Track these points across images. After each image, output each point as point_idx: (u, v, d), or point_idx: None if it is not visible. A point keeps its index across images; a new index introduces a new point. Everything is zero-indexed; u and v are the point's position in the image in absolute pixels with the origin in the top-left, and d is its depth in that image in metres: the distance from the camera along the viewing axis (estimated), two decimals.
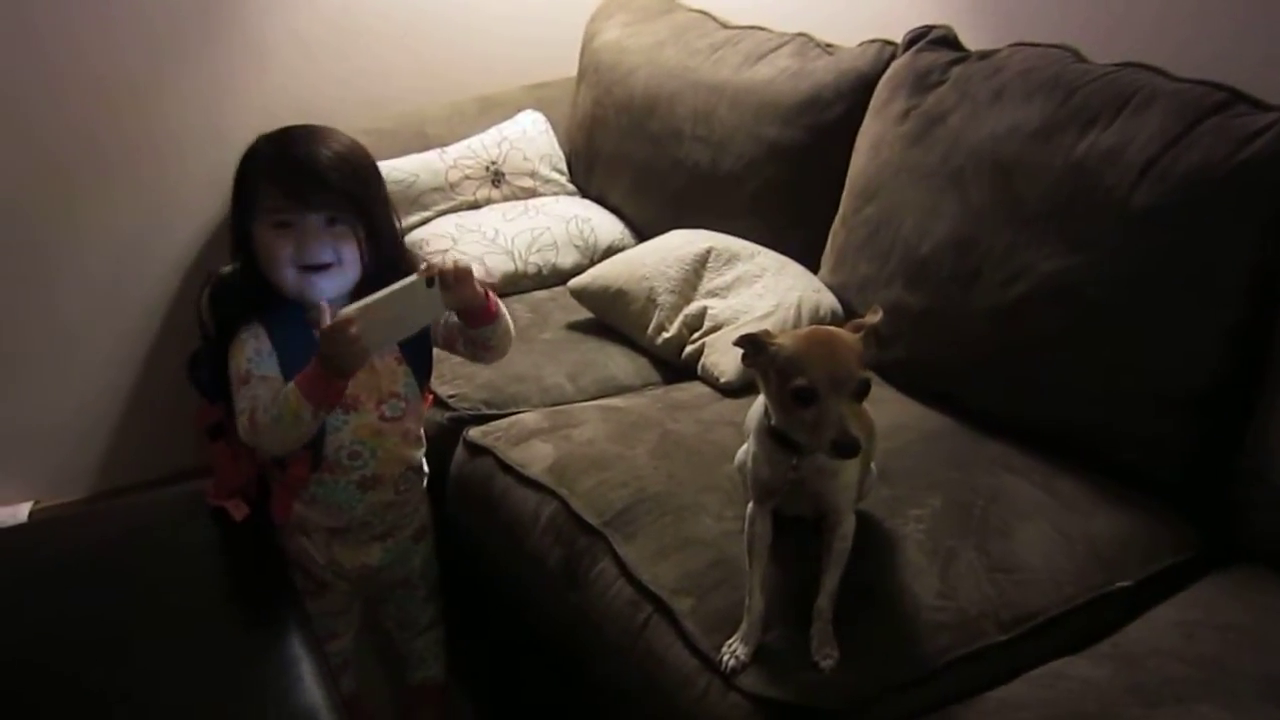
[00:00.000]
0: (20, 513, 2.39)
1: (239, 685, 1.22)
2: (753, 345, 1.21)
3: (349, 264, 1.39)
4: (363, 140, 2.27)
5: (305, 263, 1.36)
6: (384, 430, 1.46)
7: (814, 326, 1.27)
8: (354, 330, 1.25)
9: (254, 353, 1.38)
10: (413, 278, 1.30)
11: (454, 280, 1.33)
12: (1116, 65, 1.60)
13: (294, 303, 1.40)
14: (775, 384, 1.19)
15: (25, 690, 1.20)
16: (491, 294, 1.44)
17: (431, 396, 1.63)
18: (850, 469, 1.26)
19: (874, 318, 1.23)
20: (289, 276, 1.37)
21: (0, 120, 2.17)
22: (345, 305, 1.30)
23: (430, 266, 1.31)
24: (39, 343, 2.36)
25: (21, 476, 2.44)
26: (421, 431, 1.55)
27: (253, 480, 1.50)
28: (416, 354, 1.49)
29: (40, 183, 2.25)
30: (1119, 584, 1.35)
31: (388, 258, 1.42)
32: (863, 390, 1.17)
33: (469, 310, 1.42)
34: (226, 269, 1.46)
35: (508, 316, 1.49)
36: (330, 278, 1.38)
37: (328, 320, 1.27)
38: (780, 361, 1.18)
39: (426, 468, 1.59)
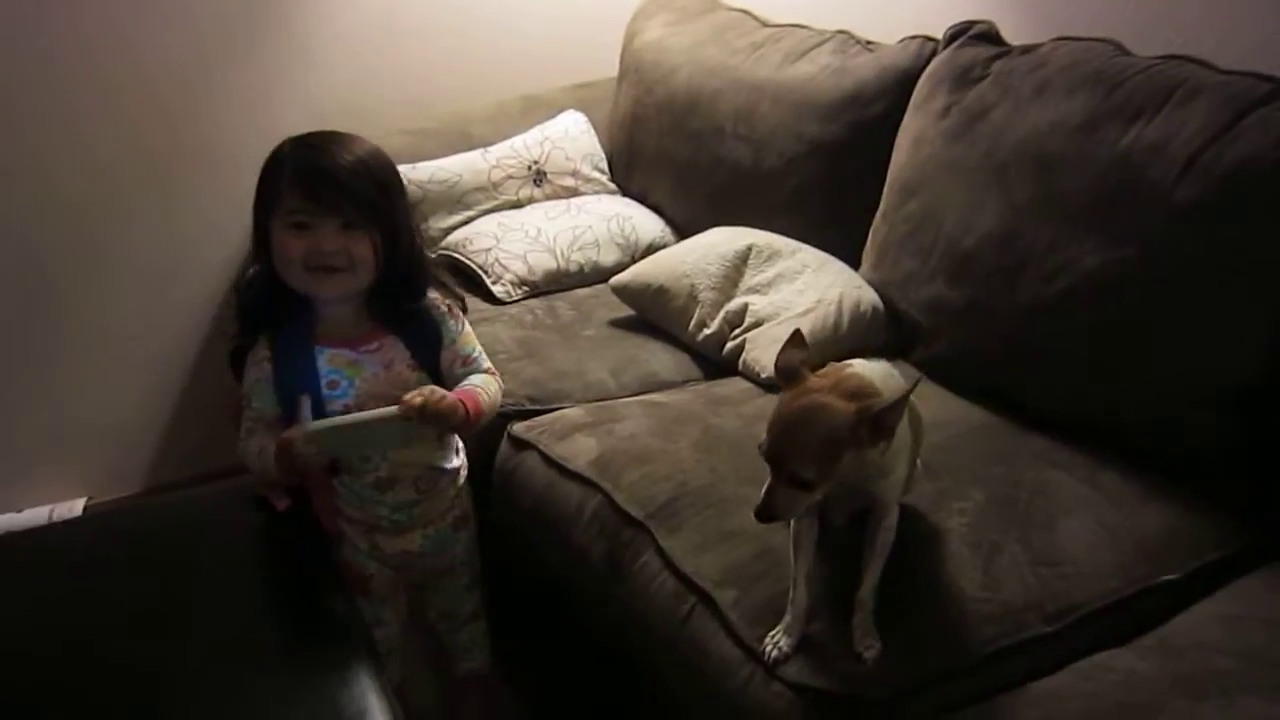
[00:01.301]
0: (76, 507, 2.45)
1: (288, 674, 1.25)
2: (790, 349, 1.24)
3: (362, 269, 1.42)
4: (406, 140, 2.36)
5: (315, 264, 1.39)
6: None
7: (819, 389, 1.18)
8: (299, 450, 1.35)
9: (254, 380, 1.46)
10: (390, 411, 1.35)
11: (434, 420, 1.37)
12: (1160, 58, 1.59)
13: (306, 311, 1.45)
14: None
15: (80, 676, 1.23)
16: (475, 405, 1.46)
17: None
18: (900, 466, 1.27)
19: (878, 403, 1.16)
20: (299, 276, 1.41)
21: (56, 123, 2.23)
22: (316, 418, 1.37)
23: (409, 408, 1.34)
24: (94, 342, 2.41)
25: (77, 473, 2.50)
26: (446, 432, 1.55)
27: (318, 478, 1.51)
28: (434, 358, 1.51)
29: (94, 184, 2.30)
30: (1164, 577, 1.35)
31: (403, 265, 1.45)
32: (798, 482, 1.16)
33: (449, 429, 1.48)
34: (254, 269, 1.49)
35: (496, 400, 1.53)
36: (339, 281, 1.42)
37: (305, 412, 1.38)
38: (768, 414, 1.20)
39: (458, 462, 1.60)
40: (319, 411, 1.41)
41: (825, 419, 1.15)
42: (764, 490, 1.17)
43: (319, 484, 1.49)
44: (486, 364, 1.55)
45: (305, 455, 1.36)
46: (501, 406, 1.80)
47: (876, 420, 1.15)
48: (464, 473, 1.62)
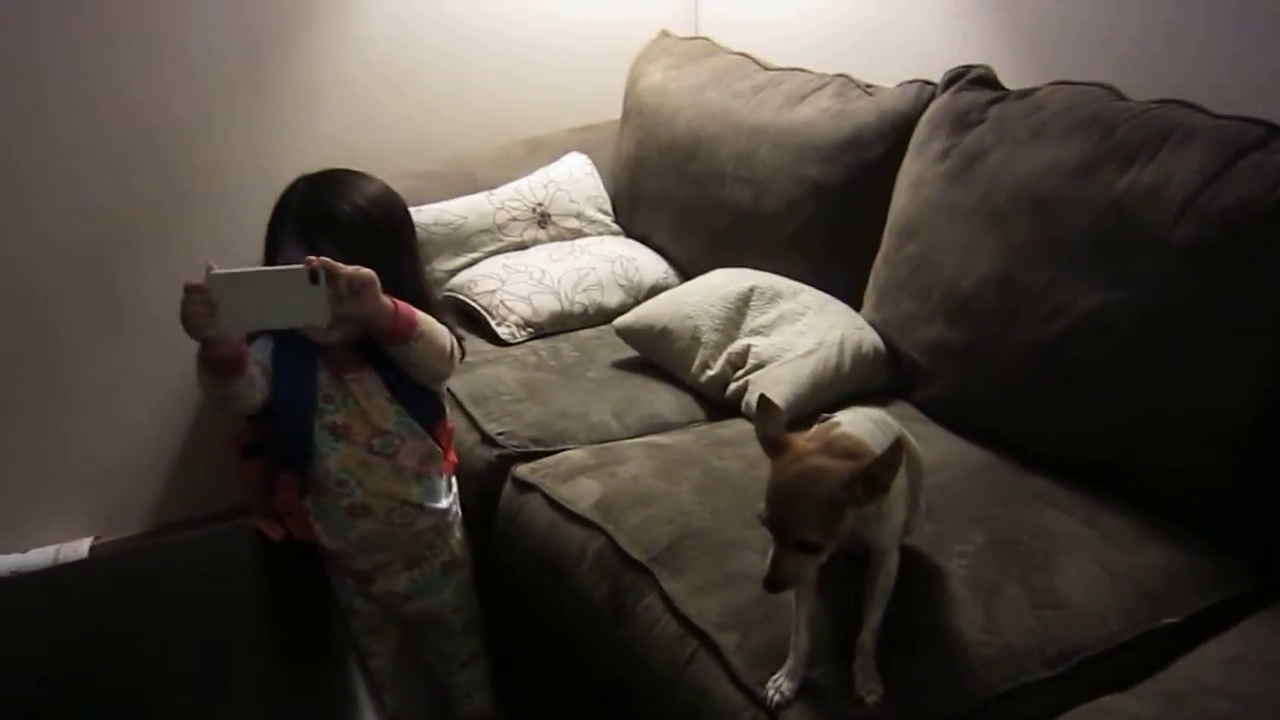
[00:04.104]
0: (81, 548, 2.45)
1: (284, 711, 1.26)
2: (766, 419, 1.22)
3: None
4: (411, 183, 2.38)
5: None
6: (372, 463, 1.49)
7: (811, 452, 1.18)
8: (204, 291, 1.24)
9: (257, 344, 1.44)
10: (296, 266, 1.27)
11: (347, 289, 1.30)
12: (1155, 102, 1.61)
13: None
14: None
15: (83, 717, 1.23)
16: (409, 313, 1.40)
17: (451, 435, 1.62)
18: (897, 512, 1.27)
19: (865, 464, 1.16)
20: None
21: (57, 171, 2.25)
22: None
23: (312, 260, 1.27)
24: (99, 384, 2.43)
25: (83, 512, 2.50)
26: (432, 470, 1.55)
27: (291, 501, 1.52)
28: (411, 392, 1.49)
29: (98, 231, 2.32)
30: (1165, 620, 1.35)
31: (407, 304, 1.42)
32: (805, 547, 1.16)
33: (374, 327, 1.39)
34: None
35: (440, 339, 1.45)
36: (336, 331, 1.39)
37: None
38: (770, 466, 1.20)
39: (444, 504, 1.58)
40: (313, 416, 1.44)
41: (822, 482, 1.16)
42: (770, 560, 1.17)
43: (295, 509, 1.49)
44: None
45: (206, 315, 1.25)
46: (504, 448, 1.82)
47: (872, 478, 1.15)
48: (455, 518, 1.62)
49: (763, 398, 1.24)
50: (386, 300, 1.36)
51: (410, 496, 1.53)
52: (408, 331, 1.40)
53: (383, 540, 1.53)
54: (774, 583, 1.16)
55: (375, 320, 1.37)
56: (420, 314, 1.42)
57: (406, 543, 1.56)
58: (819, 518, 1.16)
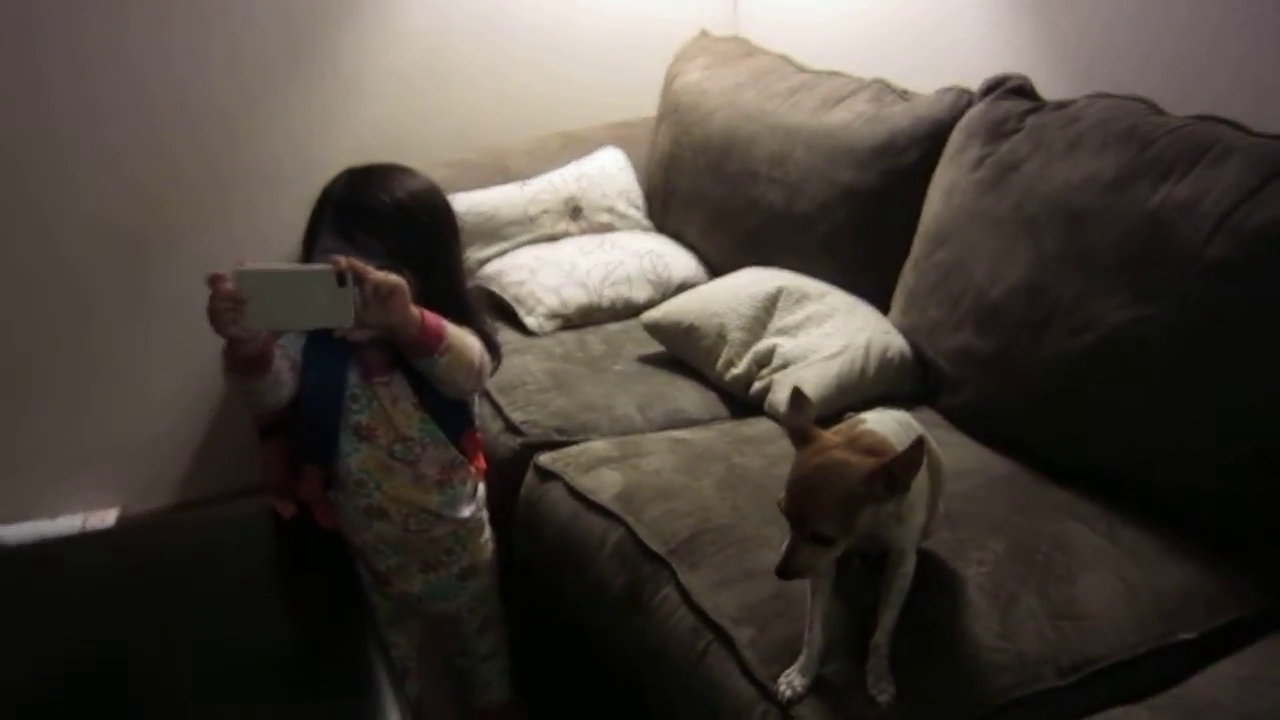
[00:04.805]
0: (109, 517, 2.49)
1: (308, 690, 1.27)
2: (796, 410, 1.25)
3: None
4: (446, 172, 2.40)
5: None
6: (392, 467, 1.47)
7: (835, 446, 1.20)
8: (230, 287, 1.22)
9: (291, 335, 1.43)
10: (324, 266, 1.24)
11: (373, 295, 1.28)
12: (1193, 118, 1.60)
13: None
14: None
15: (105, 686, 1.25)
16: (437, 326, 1.37)
17: (480, 445, 1.59)
18: (917, 514, 1.28)
19: (887, 460, 1.16)
20: None
21: (99, 149, 2.29)
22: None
23: (340, 261, 1.24)
24: (135, 359, 2.47)
25: (112, 484, 2.54)
26: (454, 478, 1.52)
27: (315, 491, 1.51)
28: (438, 400, 1.46)
29: (136, 209, 2.36)
30: (1182, 635, 1.34)
31: (440, 304, 1.41)
32: (820, 539, 1.17)
33: (399, 336, 1.37)
34: None
35: (469, 354, 1.41)
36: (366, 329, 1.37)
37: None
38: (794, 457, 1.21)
39: (466, 513, 1.55)
40: (340, 414, 1.43)
41: (843, 476, 1.17)
42: (785, 547, 1.18)
43: (320, 499, 1.50)
44: None
45: (231, 311, 1.24)
46: (527, 437, 1.84)
47: (893, 476, 1.16)
48: (477, 524, 1.60)
49: (796, 390, 1.25)
50: (414, 311, 1.34)
51: (429, 504, 1.51)
52: (434, 345, 1.37)
53: (398, 544, 1.53)
54: (786, 570, 1.18)
55: (401, 330, 1.35)
56: (450, 328, 1.39)
57: (423, 548, 1.54)
58: (837, 511, 1.17)
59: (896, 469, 1.16)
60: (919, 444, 1.16)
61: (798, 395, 1.25)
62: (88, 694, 1.24)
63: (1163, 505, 1.52)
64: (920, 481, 1.23)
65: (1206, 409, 1.48)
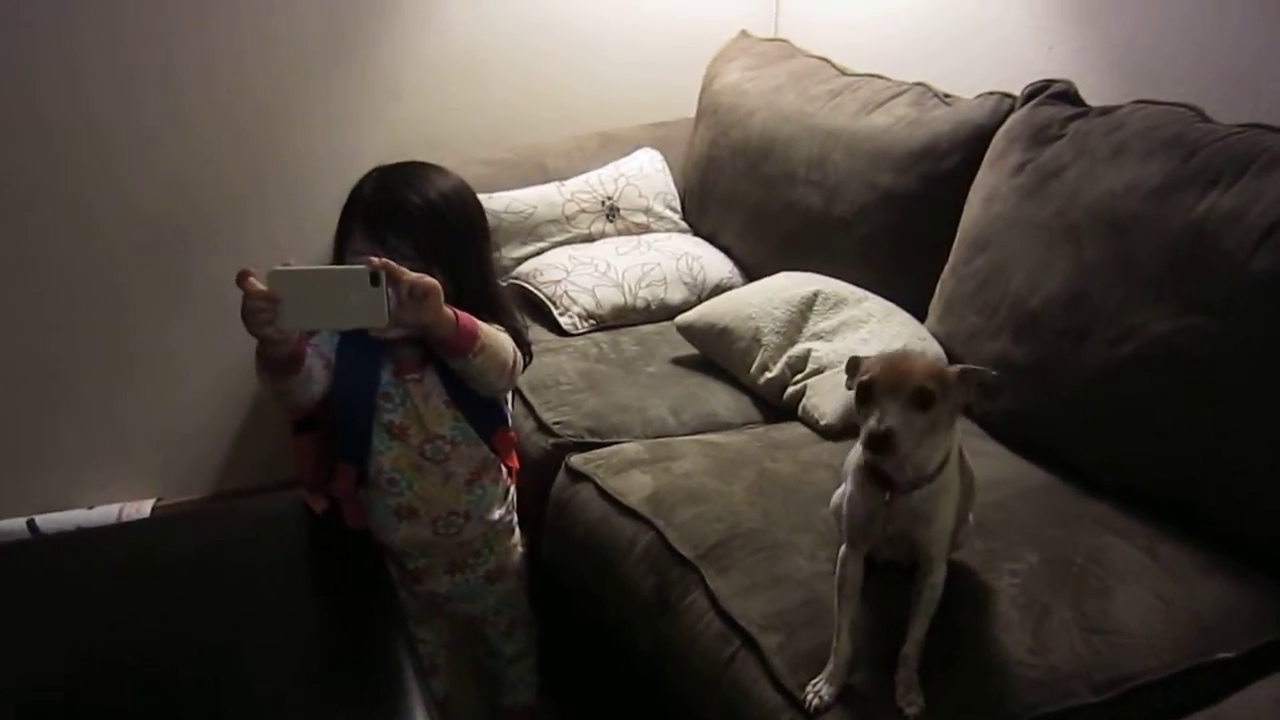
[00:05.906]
0: (144, 508, 2.52)
1: (336, 686, 1.28)
2: (852, 360, 1.26)
3: None
4: (484, 170, 2.41)
5: None
6: (423, 467, 1.47)
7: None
8: (262, 287, 1.22)
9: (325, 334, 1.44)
10: (359, 266, 1.24)
11: (408, 295, 1.28)
12: (1240, 126, 1.57)
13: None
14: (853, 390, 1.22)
15: (138, 674, 1.26)
16: (471, 326, 1.36)
17: (514, 444, 1.58)
18: (944, 515, 1.26)
19: (984, 370, 1.23)
20: None
21: (137, 140, 2.32)
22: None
23: (374, 261, 1.24)
24: (172, 351, 2.50)
25: (148, 474, 2.58)
26: (485, 478, 1.52)
27: (348, 489, 1.52)
28: (471, 399, 1.46)
29: (174, 203, 2.38)
30: (1220, 655, 1.31)
31: (470, 303, 1.40)
32: (921, 398, 1.15)
33: (433, 337, 1.37)
34: None
35: (501, 354, 1.41)
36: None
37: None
38: (860, 369, 1.21)
39: (495, 516, 1.56)
40: (373, 412, 1.44)
41: (929, 359, 1.22)
42: (873, 421, 1.14)
43: (352, 497, 1.50)
44: None
45: (266, 311, 1.23)
46: (559, 437, 1.84)
47: (981, 380, 1.21)
48: (506, 526, 1.59)
49: (853, 358, 1.26)
50: (448, 311, 1.33)
51: (458, 505, 1.51)
52: (468, 345, 1.36)
53: (425, 545, 1.53)
54: (882, 436, 1.13)
55: (435, 330, 1.34)
56: (483, 327, 1.39)
57: (450, 550, 1.55)
58: (938, 372, 1.18)
59: (984, 377, 1.21)
60: (993, 378, 1.21)
61: (854, 360, 1.25)
62: (121, 681, 1.25)
63: (1203, 521, 1.49)
64: (951, 480, 1.22)
65: (1248, 423, 1.45)
